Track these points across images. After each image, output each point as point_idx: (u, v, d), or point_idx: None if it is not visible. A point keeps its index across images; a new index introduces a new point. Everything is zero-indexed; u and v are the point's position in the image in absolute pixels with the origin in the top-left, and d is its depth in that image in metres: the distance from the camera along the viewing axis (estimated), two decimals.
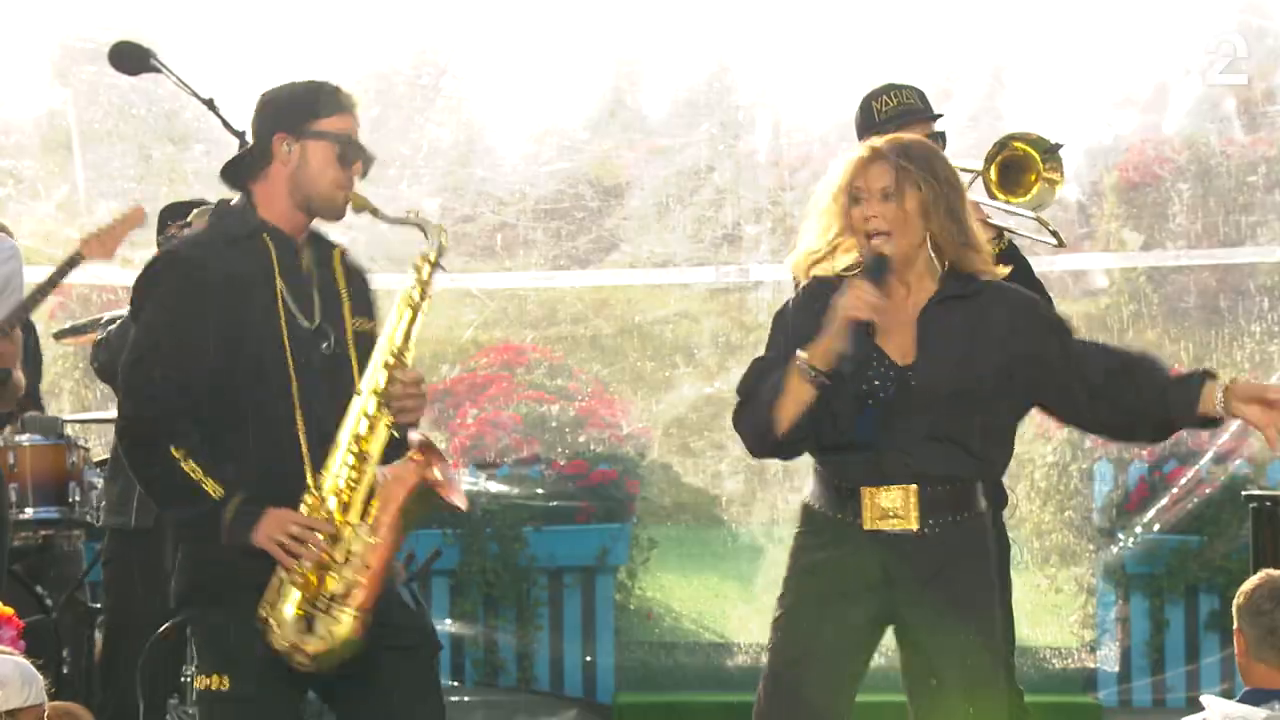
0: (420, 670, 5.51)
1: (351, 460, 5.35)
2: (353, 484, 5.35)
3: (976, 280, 5.35)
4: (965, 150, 7.55)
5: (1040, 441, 10.79)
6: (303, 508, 5.30)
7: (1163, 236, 11.04)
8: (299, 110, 5.42)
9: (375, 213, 5.47)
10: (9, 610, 7.20)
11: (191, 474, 5.21)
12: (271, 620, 5.25)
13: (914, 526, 5.30)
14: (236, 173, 5.49)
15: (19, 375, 7.51)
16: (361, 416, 5.38)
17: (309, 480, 5.32)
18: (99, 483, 8.56)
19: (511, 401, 10.69)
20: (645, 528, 10.76)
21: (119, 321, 7.80)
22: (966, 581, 5.32)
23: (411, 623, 5.48)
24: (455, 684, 10.26)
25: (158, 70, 7.16)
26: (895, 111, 6.66)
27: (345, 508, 5.33)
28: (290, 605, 5.26)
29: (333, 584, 5.29)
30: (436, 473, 5.40)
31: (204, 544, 5.29)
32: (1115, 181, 11.16)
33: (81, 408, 10.57)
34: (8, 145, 10.95)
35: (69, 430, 8.64)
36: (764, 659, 5.56)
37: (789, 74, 11.05)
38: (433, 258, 5.48)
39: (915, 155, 5.32)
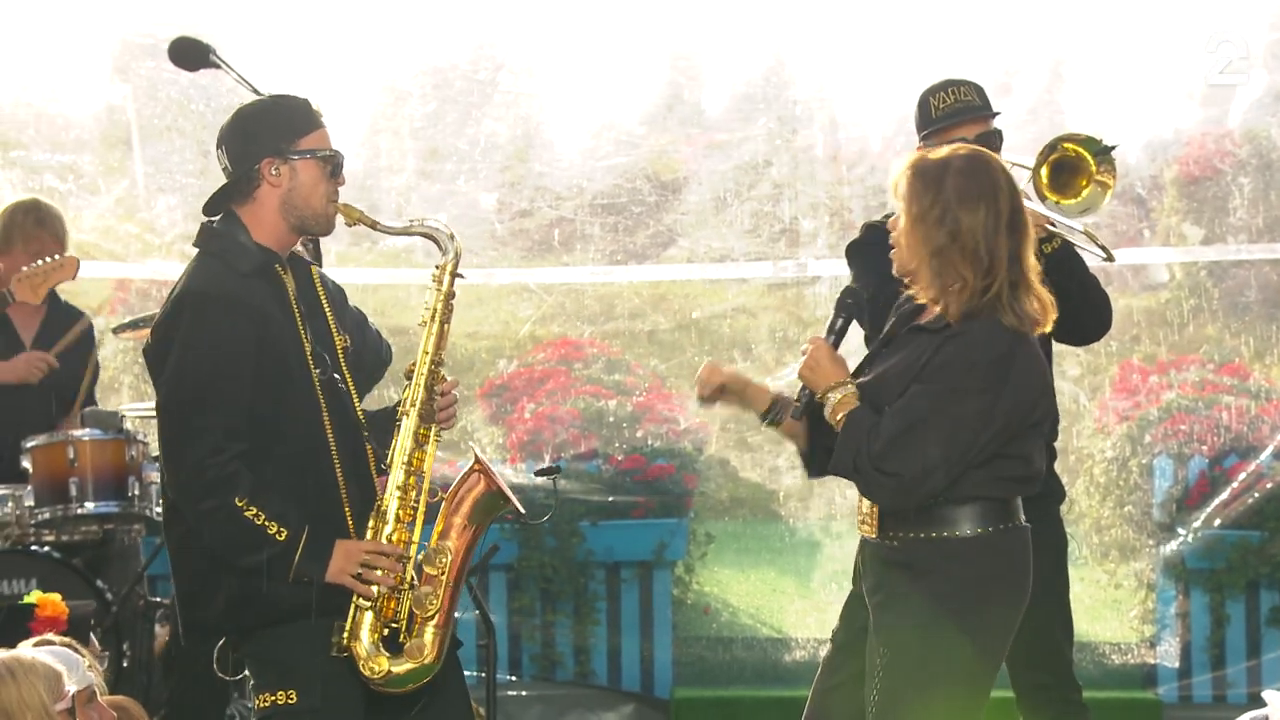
0: (455, 670, 5.54)
1: (407, 480, 5.38)
2: (414, 503, 5.38)
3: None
4: (1024, 145, 7.49)
5: (1099, 437, 10.74)
6: (368, 533, 5.33)
7: (1223, 230, 10.97)
8: (280, 132, 5.41)
9: (374, 225, 5.46)
10: (63, 608, 7.21)
11: (255, 519, 5.21)
12: (355, 650, 5.28)
13: (874, 534, 5.34)
14: (218, 200, 5.48)
15: None
16: (410, 435, 5.40)
17: (344, 500, 5.34)
18: (158, 476, 8.58)
19: (569, 396, 10.68)
20: (702, 522, 10.74)
21: None
22: (902, 602, 5.25)
23: None
24: (513, 678, 10.27)
25: (217, 66, 7.20)
26: (952, 109, 6.58)
27: (409, 526, 5.36)
28: (371, 631, 5.29)
29: (409, 604, 5.32)
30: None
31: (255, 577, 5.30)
32: (1176, 175, 11.09)
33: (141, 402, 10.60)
34: (68, 140, 10.99)
35: (128, 424, 8.68)
36: (823, 653, 5.63)
37: (847, 68, 11.02)
38: (450, 268, 5.47)
39: (919, 172, 5.28)
